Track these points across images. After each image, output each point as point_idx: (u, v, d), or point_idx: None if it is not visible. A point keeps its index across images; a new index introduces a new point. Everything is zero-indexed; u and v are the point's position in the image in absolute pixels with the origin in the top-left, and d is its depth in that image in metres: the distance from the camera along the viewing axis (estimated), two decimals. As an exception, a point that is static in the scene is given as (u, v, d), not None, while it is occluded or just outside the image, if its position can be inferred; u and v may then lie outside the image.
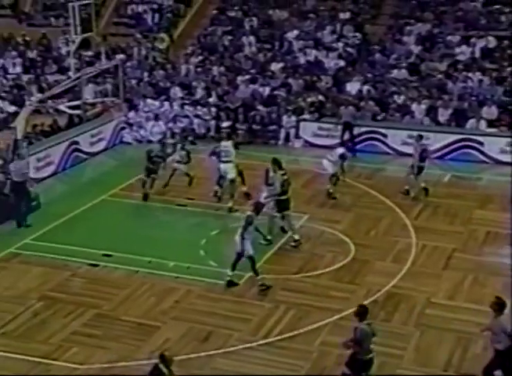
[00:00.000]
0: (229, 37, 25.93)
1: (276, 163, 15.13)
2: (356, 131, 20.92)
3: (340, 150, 17.32)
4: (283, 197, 14.82)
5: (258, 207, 13.21)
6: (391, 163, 19.84)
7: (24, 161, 16.21)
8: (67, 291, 13.09)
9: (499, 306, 9.86)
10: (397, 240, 15.05)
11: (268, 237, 14.73)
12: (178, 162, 17.50)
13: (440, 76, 22.56)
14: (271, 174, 15.04)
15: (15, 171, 15.65)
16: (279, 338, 11.59)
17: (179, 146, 17.82)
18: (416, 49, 23.90)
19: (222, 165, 16.63)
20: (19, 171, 15.65)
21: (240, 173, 17.00)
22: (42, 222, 15.91)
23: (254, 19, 26.69)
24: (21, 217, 15.59)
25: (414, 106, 21.41)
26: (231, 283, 13.08)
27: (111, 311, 12.39)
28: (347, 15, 26.18)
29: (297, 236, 14.74)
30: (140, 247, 14.50)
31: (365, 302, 12.45)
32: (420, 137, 17.58)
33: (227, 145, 16.86)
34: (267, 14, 27.01)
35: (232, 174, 16.62)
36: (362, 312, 9.81)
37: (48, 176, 18.76)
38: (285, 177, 14.94)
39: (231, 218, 15.98)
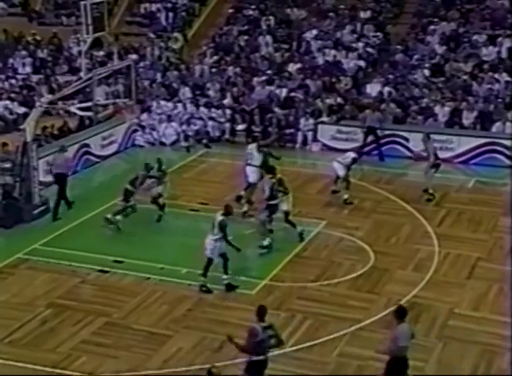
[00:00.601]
0: (245, 37, 26.01)
1: (264, 168, 15.41)
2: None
3: (353, 154, 17.34)
4: (273, 202, 14.84)
5: (229, 210, 13.35)
6: (413, 167, 19.75)
7: (66, 154, 17.47)
8: (76, 299, 13.17)
9: (398, 314, 9.86)
10: (418, 248, 15.01)
11: (266, 242, 14.70)
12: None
13: (465, 77, 22.47)
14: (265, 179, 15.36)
15: (56, 164, 17.04)
16: (294, 348, 11.58)
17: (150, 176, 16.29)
18: (440, 49, 23.84)
19: (246, 168, 16.83)
20: (62, 164, 17.03)
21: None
22: (52, 227, 16.04)
23: (271, 18, 26.77)
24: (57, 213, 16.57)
25: (437, 109, 21.34)
26: (229, 287, 13.20)
27: (121, 319, 12.45)
28: (367, 14, 26.20)
29: (266, 243, 14.74)
30: (152, 253, 14.57)
31: (385, 312, 12.52)
32: (428, 137, 17.72)
33: (251, 148, 17.13)
34: (284, 13, 27.08)
35: (251, 177, 16.72)
36: (261, 313, 9.87)
37: (58, 180, 18.89)
38: (273, 180, 15.00)
39: (246, 223, 16.00)
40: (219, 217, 13.27)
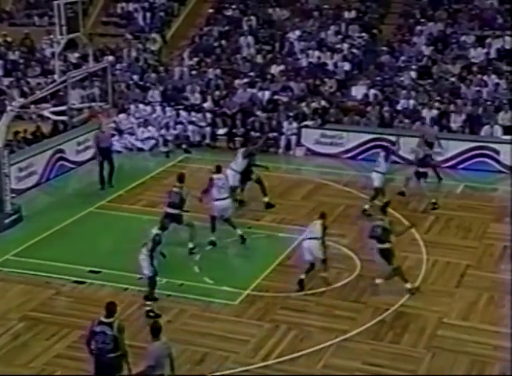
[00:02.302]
0: (226, 38, 26.10)
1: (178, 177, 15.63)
2: (363, 138, 21.01)
3: (382, 153, 17.45)
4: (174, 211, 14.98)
5: (164, 224, 13.37)
6: (400, 173, 19.85)
7: (107, 133, 19.56)
8: (50, 311, 13.12)
9: (153, 331, 9.84)
10: (406, 256, 15.09)
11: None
12: None
13: (453, 79, 22.71)
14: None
15: (99, 140, 19.15)
16: (278, 360, 11.63)
17: None
18: (428, 51, 24.08)
19: (227, 171, 17.11)
20: (107, 139, 19.27)
21: (259, 181, 17.40)
22: (24, 236, 15.98)
23: (252, 18, 26.91)
24: (103, 180, 18.76)
25: (425, 112, 21.53)
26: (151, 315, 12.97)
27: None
28: (352, 14, 26.42)
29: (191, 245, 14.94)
30: (129, 263, 14.52)
31: (373, 322, 12.61)
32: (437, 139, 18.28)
33: (238, 151, 17.61)
34: (267, 13, 27.25)
35: (231, 180, 16.86)
36: (108, 308, 10.14)
37: (31, 187, 18.83)
38: (175, 190, 15.21)
39: (227, 232, 16.04)
40: (154, 231, 13.13)
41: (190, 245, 15.07)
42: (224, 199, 15.43)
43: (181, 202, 15.14)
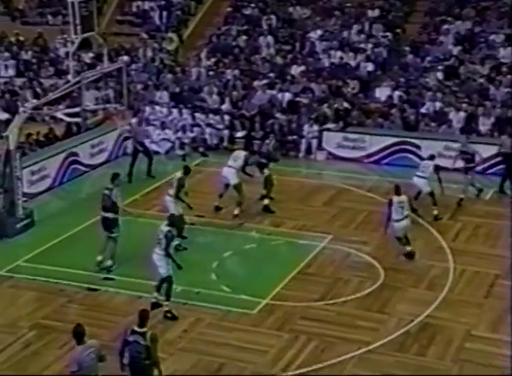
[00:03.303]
0: (245, 38, 26.17)
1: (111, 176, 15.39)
2: (387, 142, 20.94)
3: (431, 163, 17.39)
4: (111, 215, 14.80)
5: (173, 220, 13.52)
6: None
7: (141, 128, 20.87)
8: (63, 319, 13.14)
9: (75, 335, 9.72)
10: (432, 265, 15.03)
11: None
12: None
13: (481, 80, 22.58)
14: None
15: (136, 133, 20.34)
16: (298, 372, 11.60)
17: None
18: (455, 50, 23.98)
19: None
20: (141, 132, 20.58)
21: (269, 180, 17.59)
22: (36, 241, 16.07)
23: (272, 17, 26.94)
24: (150, 171, 19.97)
25: (452, 115, 21.43)
26: (155, 305, 13.19)
27: (112, 341, 12.36)
28: (376, 12, 26.36)
29: (109, 263, 14.67)
30: (144, 270, 14.57)
31: (397, 334, 12.54)
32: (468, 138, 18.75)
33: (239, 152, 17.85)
34: (287, 12, 27.26)
35: (234, 180, 17.17)
36: (140, 317, 10.10)
37: (44, 191, 18.95)
38: (105, 191, 14.91)
39: (245, 238, 16.05)
40: (165, 228, 13.25)
41: (108, 262, 14.74)
42: (169, 195, 15.83)
43: (112, 205, 14.80)
